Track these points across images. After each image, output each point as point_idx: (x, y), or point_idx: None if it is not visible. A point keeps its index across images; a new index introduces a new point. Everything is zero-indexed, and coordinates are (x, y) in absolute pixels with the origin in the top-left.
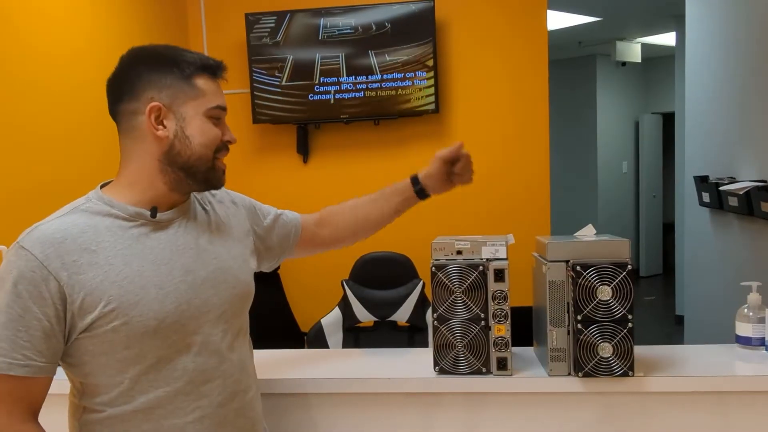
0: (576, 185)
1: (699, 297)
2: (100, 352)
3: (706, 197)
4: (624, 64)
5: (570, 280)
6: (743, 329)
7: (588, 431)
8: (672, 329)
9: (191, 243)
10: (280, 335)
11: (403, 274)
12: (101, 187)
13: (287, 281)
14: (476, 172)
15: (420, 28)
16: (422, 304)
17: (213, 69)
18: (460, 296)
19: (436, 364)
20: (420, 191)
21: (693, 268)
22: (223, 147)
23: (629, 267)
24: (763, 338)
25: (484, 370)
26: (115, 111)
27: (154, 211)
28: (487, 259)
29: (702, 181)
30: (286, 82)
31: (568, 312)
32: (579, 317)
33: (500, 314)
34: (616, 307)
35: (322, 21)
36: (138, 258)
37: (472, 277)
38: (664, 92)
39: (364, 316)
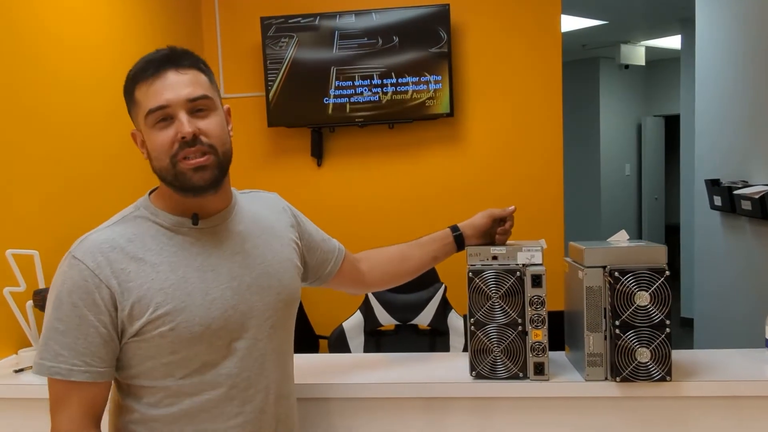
0: (579, 187)
1: (710, 300)
2: (147, 356)
3: (717, 200)
4: (627, 66)
5: (607, 285)
6: None
7: None
8: (678, 331)
9: (237, 248)
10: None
11: (425, 277)
12: (150, 193)
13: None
14: (491, 173)
15: (435, 32)
16: (444, 307)
17: (145, 71)
18: (498, 301)
19: (472, 368)
20: (458, 237)
21: (704, 270)
22: (180, 148)
23: (667, 273)
24: None
25: (521, 374)
26: None
27: (195, 219)
28: (524, 265)
29: (713, 185)
30: (300, 85)
31: (605, 317)
32: (617, 323)
33: (538, 319)
34: (655, 312)
35: (337, 24)
36: (183, 265)
37: (510, 283)
38: (667, 95)
39: (385, 319)
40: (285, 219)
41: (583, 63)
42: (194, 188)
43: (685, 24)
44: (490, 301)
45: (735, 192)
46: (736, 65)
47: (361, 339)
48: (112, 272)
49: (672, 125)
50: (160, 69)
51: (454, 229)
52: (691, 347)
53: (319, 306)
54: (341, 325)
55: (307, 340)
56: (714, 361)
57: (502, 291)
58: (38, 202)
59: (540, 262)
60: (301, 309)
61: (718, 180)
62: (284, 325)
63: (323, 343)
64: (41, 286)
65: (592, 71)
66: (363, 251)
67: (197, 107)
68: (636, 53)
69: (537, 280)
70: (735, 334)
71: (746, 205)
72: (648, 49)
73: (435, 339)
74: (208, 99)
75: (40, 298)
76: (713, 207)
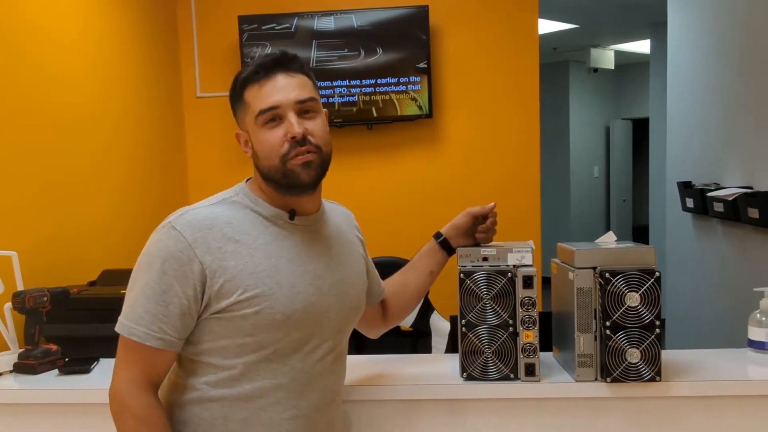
0: (549, 188)
1: (681, 300)
2: (223, 335)
3: (689, 202)
4: (596, 70)
5: (598, 286)
6: (756, 334)
7: None
8: None
9: (323, 251)
10: None
11: None
12: (247, 180)
13: None
14: (470, 174)
15: (414, 33)
16: (426, 309)
17: (257, 74)
18: (489, 303)
19: (463, 370)
20: (443, 242)
21: (675, 271)
22: (291, 147)
23: (657, 274)
24: None
25: (512, 376)
26: None
27: (292, 214)
28: (514, 266)
29: (685, 187)
30: None
31: (595, 318)
32: (607, 323)
33: (529, 320)
34: (645, 313)
35: (315, 24)
36: (276, 254)
37: (501, 284)
38: (636, 98)
39: None
40: (357, 235)
41: (553, 66)
42: (300, 185)
43: (654, 29)
44: (482, 303)
45: (708, 194)
46: (708, 68)
47: None
48: (208, 249)
49: (640, 128)
50: (271, 72)
51: (437, 235)
52: (662, 347)
53: None
54: None
55: None
56: (699, 360)
57: (493, 292)
58: (17, 202)
59: (530, 263)
60: None
61: (690, 182)
62: (347, 331)
63: None
64: (20, 287)
65: (562, 74)
66: None
67: (305, 109)
68: (605, 57)
69: (528, 282)
70: (707, 334)
71: (719, 207)
72: (617, 53)
73: (417, 340)
74: (315, 101)
75: (18, 300)
76: (685, 209)
